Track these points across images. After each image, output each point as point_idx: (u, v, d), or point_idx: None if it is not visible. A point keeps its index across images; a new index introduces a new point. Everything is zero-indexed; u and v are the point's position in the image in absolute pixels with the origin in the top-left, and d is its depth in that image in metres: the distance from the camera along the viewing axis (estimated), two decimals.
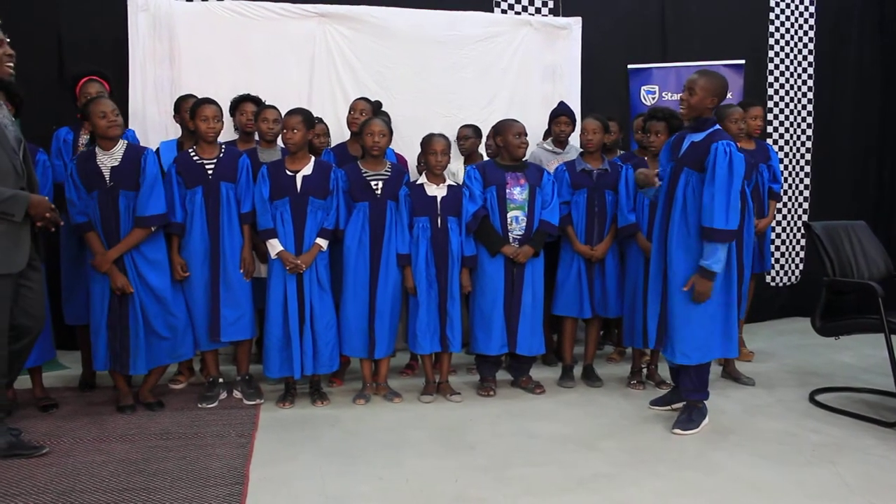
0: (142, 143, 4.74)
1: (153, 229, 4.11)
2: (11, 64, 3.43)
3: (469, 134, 5.42)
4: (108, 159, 4.05)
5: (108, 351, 4.11)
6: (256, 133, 4.78)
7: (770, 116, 6.95)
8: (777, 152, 5.32)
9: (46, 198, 3.50)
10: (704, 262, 3.73)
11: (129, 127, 5.14)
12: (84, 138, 4.50)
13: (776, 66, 6.99)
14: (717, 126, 3.88)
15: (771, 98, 6.97)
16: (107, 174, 4.03)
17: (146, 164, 4.09)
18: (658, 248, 4.04)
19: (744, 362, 5.35)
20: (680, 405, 4.16)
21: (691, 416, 3.97)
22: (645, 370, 4.89)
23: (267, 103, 4.73)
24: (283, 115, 4.40)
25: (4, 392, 3.61)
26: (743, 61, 6.46)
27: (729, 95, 6.15)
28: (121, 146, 4.10)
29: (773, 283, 7.09)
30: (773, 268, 7.07)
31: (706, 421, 3.99)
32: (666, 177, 4.02)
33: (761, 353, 5.68)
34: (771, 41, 6.98)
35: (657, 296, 4.03)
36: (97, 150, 4.07)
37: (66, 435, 3.76)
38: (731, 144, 3.74)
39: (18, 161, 3.43)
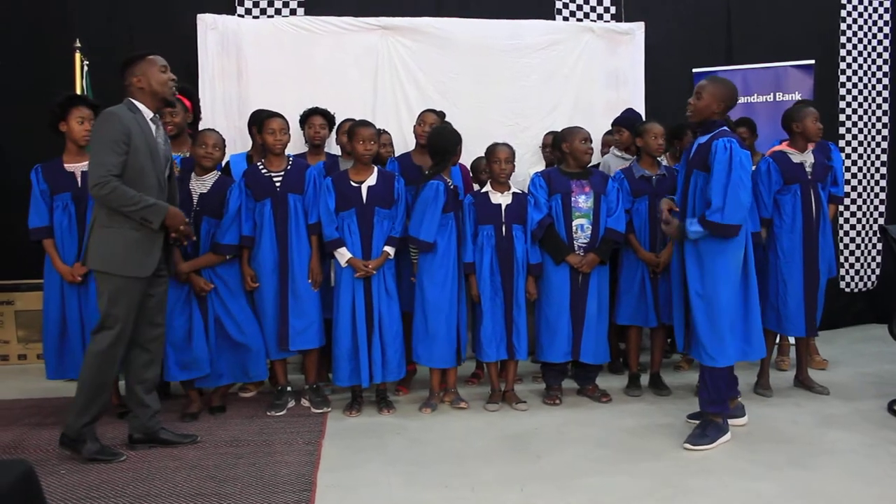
0: None
1: (227, 257, 4.31)
2: (174, 88, 3.76)
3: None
4: (200, 185, 4.29)
5: (177, 364, 4.27)
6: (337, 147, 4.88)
7: (842, 117, 6.76)
8: (841, 153, 5.12)
9: (182, 212, 3.72)
10: (688, 221, 3.76)
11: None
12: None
13: (848, 66, 6.79)
14: (724, 128, 3.84)
15: (843, 98, 6.77)
16: (195, 199, 4.26)
17: (231, 196, 4.33)
18: (677, 252, 4.00)
19: (818, 371, 5.20)
20: (731, 420, 4.03)
21: (706, 430, 3.83)
22: None
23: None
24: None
25: (109, 397, 3.78)
26: (813, 61, 6.29)
27: (798, 96, 6.05)
28: (212, 175, 4.36)
29: (847, 289, 6.87)
30: (848, 273, 6.86)
31: (725, 438, 3.83)
32: (680, 182, 4.03)
33: (836, 361, 5.51)
34: (843, 39, 6.78)
35: (680, 301, 3.99)
36: (192, 174, 4.32)
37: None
38: (731, 141, 3.72)
39: (164, 177, 3.72)
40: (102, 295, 3.59)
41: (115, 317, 3.56)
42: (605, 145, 5.50)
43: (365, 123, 4.44)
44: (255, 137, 4.79)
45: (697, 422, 4.09)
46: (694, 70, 6.43)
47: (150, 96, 3.66)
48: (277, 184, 4.38)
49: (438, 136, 4.55)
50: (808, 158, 4.67)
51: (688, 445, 3.78)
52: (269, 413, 4.41)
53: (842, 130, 6.75)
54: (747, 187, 3.69)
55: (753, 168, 4.83)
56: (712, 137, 3.78)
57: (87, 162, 4.23)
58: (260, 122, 4.46)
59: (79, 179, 4.24)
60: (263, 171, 4.41)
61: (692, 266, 3.82)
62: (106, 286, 3.57)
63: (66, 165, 4.26)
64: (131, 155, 3.53)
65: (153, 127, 3.68)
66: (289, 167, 4.43)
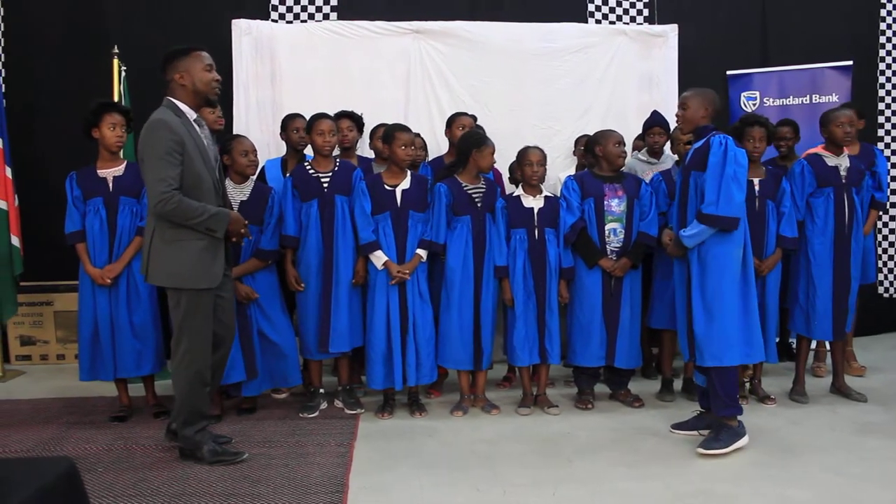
0: None
1: (269, 262, 4.38)
2: (217, 88, 3.68)
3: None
4: (238, 193, 4.31)
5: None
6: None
7: (881, 119, 6.65)
8: (886, 158, 5.03)
9: (241, 216, 3.71)
10: (682, 231, 3.84)
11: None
12: None
13: (888, 66, 6.68)
14: (716, 131, 3.91)
15: (882, 100, 6.67)
16: (235, 206, 4.25)
17: (273, 203, 4.39)
18: (679, 262, 3.98)
19: (855, 377, 5.12)
20: (707, 431, 3.96)
21: (719, 435, 3.78)
22: (748, 384, 4.73)
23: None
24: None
25: (209, 402, 3.79)
26: (851, 62, 6.20)
27: (835, 98, 5.96)
28: (250, 182, 4.39)
29: (885, 295, 6.75)
30: (887, 278, 6.74)
31: (741, 443, 3.78)
32: (678, 188, 4.08)
33: (874, 367, 5.41)
34: (882, 39, 6.67)
35: (683, 306, 3.95)
36: (228, 181, 4.31)
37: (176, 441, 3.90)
38: (727, 138, 3.81)
39: (217, 180, 3.68)
40: (177, 308, 3.56)
41: (192, 327, 3.55)
42: (637, 150, 5.46)
43: (403, 128, 4.45)
44: (292, 142, 4.82)
45: (681, 432, 4.06)
46: (728, 72, 6.37)
47: (192, 95, 3.58)
48: (325, 184, 4.40)
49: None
50: (843, 162, 4.61)
51: (701, 450, 3.73)
52: (301, 415, 4.43)
53: (881, 133, 6.64)
54: (741, 183, 3.76)
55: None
56: (708, 139, 3.85)
57: (119, 167, 4.33)
58: (308, 123, 4.47)
59: (110, 184, 4.30)
60: (311, 171, 4.43)
61: (694, 266, 3.83)
62: (179, 300, 3.55)
63: (98, 171, 4.31)
64: (186, 164, 3.46)
65: (197, 128, 3.60)
66: (336, 168, 4.45)
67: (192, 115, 3.60)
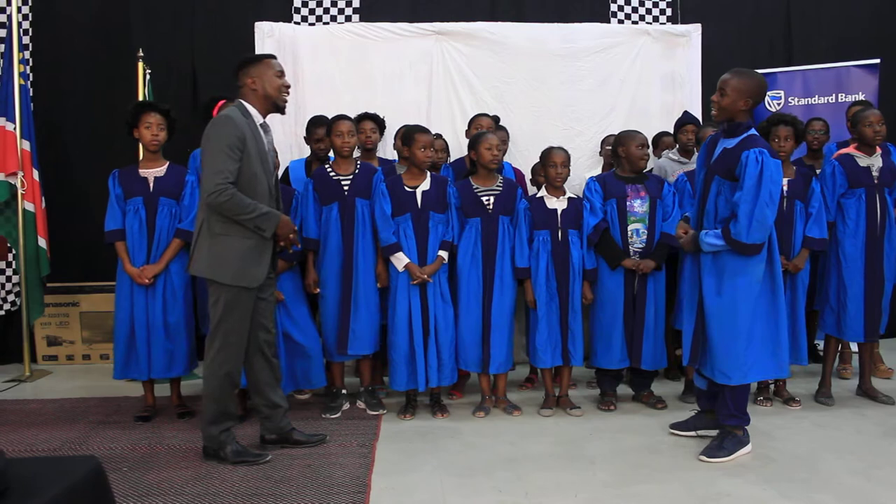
0: None
1: (294, 263, 4.40)
2: (286, 93, 3.74)
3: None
4: None
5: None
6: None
7: None
8: None
9: (291, 220, 3.74)
10: (703, 233, 3.66)
11: None
12: None
13: None
14: (753, 131, 3.66)
15: None
16: None
17: (298, 203, 4.43)
18: (692, 260, 3.85)
19: (882, 380, 5.06)
20: (706, 431, 3.91)
21: (723, 443, 3.70)
22: (772, 386, 4.69)
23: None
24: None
25: (236, 402, 3.82)
26: (878, 60, 6.12)
27: (861, 97, 5.89)
28: None
29: None
30: None
31: (745, 450, 3.71)
32: (698, 184, 3.86)
33: None
34: None
35: (692, 312, 3.82)
36: None
37: (199, 441, 3.87)
38: (763, 152, 3.52)
39: (273, 184, 3.73)
40: (215, 305, 3.59)
41: (228, 326, 3.57)
42: (664, 147, 5.43)
43: (422, 129, 4.46)
44: (313, 144, 4.84)
45: (680, 433, 4.01)
46: None
47: (262, 100, 3.66)
48: (346, 188, 4.42)
49: None
50: (875, 162, 4.55)
51: (703, 457, 3.67)
52: (324, 415, 4.45)
53: None
54: (775, 203, 3.54)
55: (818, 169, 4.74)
56: (741, 145, 3.59)
57: (161, 168, 4.37)
58: (328, 125, 4.49)
59: (151, 185, 4.34)
60: (332, 174, 4.45)
61: (709, 280, 3.68)
62: (218, 297, 3.58)
63: (140, 171, 4.37)
64: (244, 161, 3.52)
65: (262, 132, 3.67)
66: (357, 171, 4.46)
67: (258, 118, 3.67)
